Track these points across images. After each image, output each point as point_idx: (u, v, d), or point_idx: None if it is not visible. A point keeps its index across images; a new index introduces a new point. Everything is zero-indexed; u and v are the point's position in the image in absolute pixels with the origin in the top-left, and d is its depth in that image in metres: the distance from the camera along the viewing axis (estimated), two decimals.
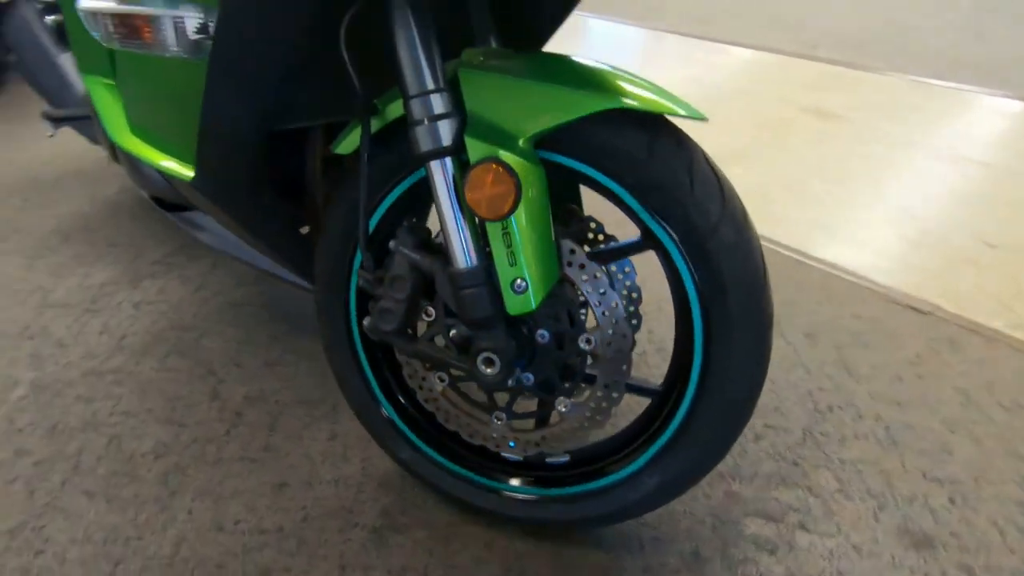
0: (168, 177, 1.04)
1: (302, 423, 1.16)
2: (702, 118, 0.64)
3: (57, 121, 1.58)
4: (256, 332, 1.39)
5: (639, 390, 0.81)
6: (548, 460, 0.87)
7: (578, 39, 3.92)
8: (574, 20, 3.55)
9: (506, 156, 0.63)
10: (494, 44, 0.85)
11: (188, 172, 0.84)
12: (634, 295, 0.90)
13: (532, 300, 0.67)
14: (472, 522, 0.96)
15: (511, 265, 0.66)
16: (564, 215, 0.90)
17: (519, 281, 0.67)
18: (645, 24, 4.15)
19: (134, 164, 1.19)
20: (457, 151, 0.66)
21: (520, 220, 0.64)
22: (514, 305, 0.68)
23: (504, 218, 0.64)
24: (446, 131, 0.65)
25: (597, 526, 0.91)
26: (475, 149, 0.64)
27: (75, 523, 0.97)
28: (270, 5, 0.64)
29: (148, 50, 0.81)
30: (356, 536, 0.95)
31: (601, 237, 0.89)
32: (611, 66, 0.69)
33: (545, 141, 0.67)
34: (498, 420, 0.81)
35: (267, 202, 0.88)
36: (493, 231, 0.66)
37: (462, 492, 0.90)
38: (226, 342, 1.36)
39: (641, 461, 0.77)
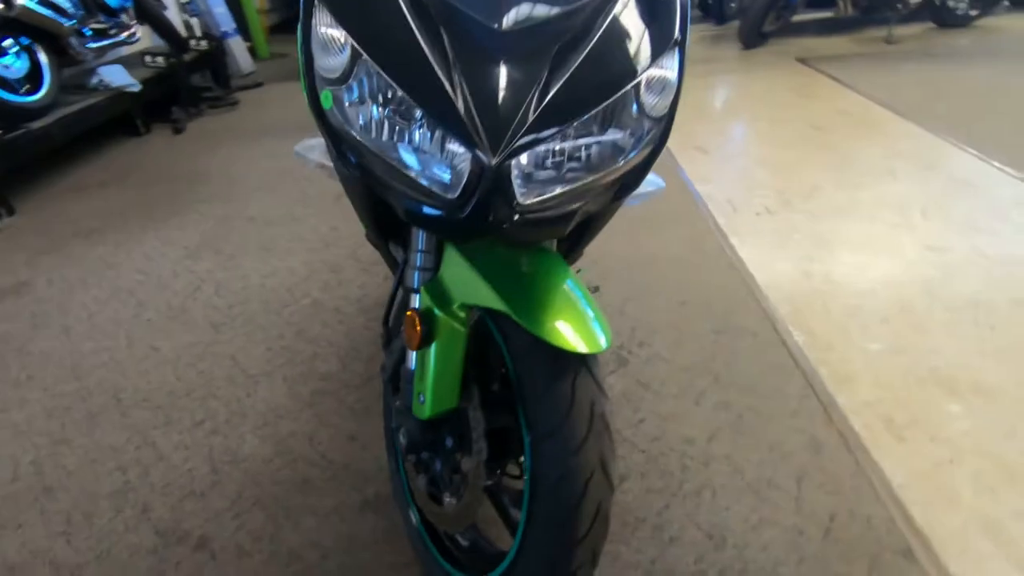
0: None
1: None
2: (602, 349, 0.71)
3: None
4: None
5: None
6: None
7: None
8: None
9: (427, 310, 0.81)
10: None
11: None
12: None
13: (426, 411, 0.85)
14: None
15: (420, 381, 0.85)
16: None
17: (420, 395, 0.85)
18: None
19: None
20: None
21: (430, 355, 0.82)
22: (416, 409, 0.87)
23: (416, 350, 0.82)
24: (417, 278, 0.86)
25: None
26: (421, 297, 0.84)
27: None
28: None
29: None
30: None
31: None
32: (572, 282, 0.77)
33: (493, 314, 0.79)
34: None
35: None
36: (417, 355, 0.85)
37: None
38: None
39: None
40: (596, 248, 1.99)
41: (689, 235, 2.08)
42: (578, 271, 1.77)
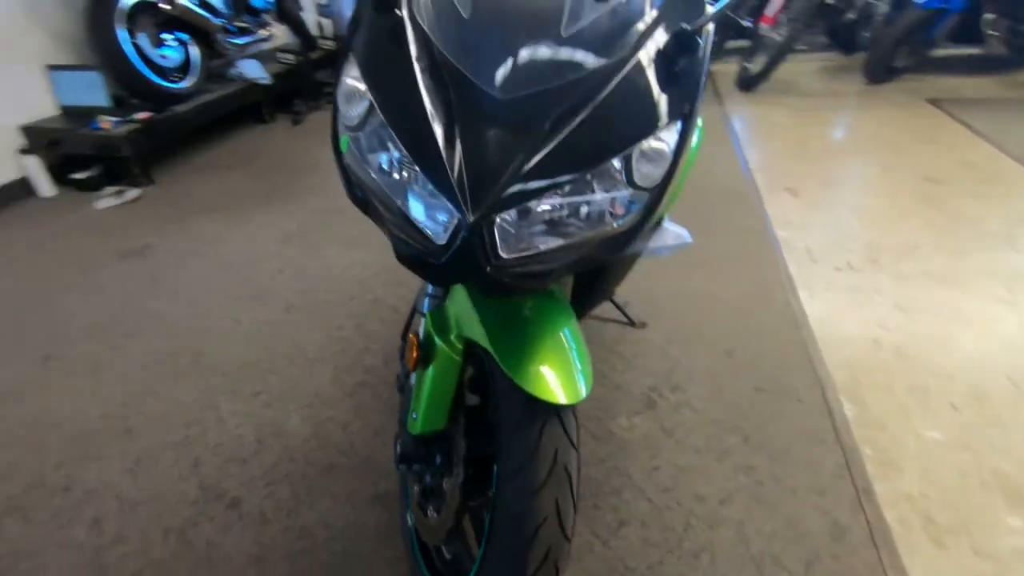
0: None
1: None
2: (577, 401, 0.76)
3: None
4: None
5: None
6: None
7: None
8: None
9: (428, 335, 0.89)
10: None
11: None
12: None
13: (416, 427, 0.93)
14: None
15: (415, 399, 0.93)
16: None
17: (414, 412, 0.93)
18: None
19: None
20: None
21: (426, 377, 0.90)
22: (410, 424, 0.95)
23: (414, 371, 0.92)
24: (426, 304, 0.97)
25: None
26: (425, 322, 0.92)
27: None
28: None
29: None
30: None
31: None
32: (569, 331, 0.82)
33: (484, 349, 0.83)
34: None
35: None
36: (416, 374, 0.93)
37: None
38: None
39: None
40: (651, 282, 1.97)
41: (755, 281, 2.00)
42: (625, 303, 1.77)
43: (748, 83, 3.97)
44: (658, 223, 0.98)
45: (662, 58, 0.72)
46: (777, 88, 4.08)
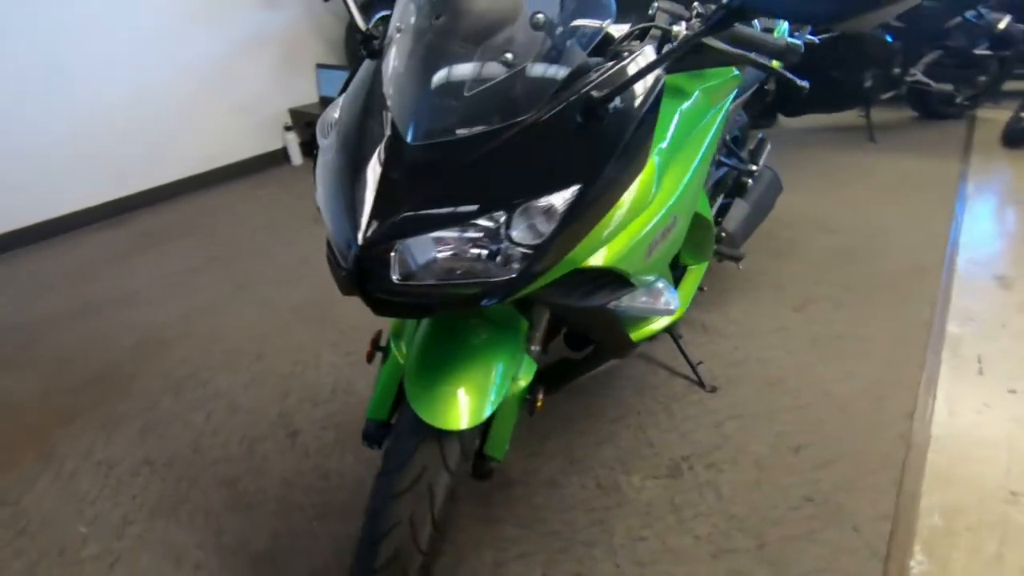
0: None
1: None
2: (454, 428, 0.84)
3: None
4: None
5: None
6: None
7: None
8: None
9: (389, 337, 1.03)
10: None
11: None
12: None
13: (368, 413, 1.07)
14: None
15: (374, 389, 1.07)
16: None
17: (372, 398, 1.07)
18: None
19: None
20: None
21: (381, 371, 1.04)
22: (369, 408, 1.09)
23: (369, 362, 1.10)
24: None
25: None
26: (392, 322, 1.03)
27: None
28: None
29: None
30: None
31: None
32: (503, 365, 0.90)
33: None
34: None
35: None
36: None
37: None
38: None
39: None
40: (747, 344, 1.78)
41: (880, 377, 1.65)
42: (699, 363, 1.66)
43: (1017, 138, 3.13)
44: (633, 283, 0.95)
45: (564, 123, 0.72)
46: None
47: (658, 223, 0.91)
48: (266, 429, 1.64)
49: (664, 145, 0.92)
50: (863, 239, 2.39)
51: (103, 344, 2.08)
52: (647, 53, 0.82)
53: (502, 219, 0.72)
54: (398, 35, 0.85)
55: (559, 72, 0.76)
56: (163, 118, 3.17)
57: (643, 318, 1.24)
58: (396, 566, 0.85)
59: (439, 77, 0.78)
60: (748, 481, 1.38)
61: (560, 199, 0.72)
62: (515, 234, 0.72)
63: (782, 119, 3.96)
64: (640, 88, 0.80)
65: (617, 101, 0.75)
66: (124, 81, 2.98)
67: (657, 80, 0.82)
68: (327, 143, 0.87)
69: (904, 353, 1.75)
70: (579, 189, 0.72)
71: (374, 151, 0.77)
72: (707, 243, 1.33)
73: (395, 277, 0.75)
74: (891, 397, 1.59)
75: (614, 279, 0.91)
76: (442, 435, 0.86)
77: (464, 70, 0.77)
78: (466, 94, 0.76)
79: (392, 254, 0.75)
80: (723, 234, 1.78)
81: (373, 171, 0.76)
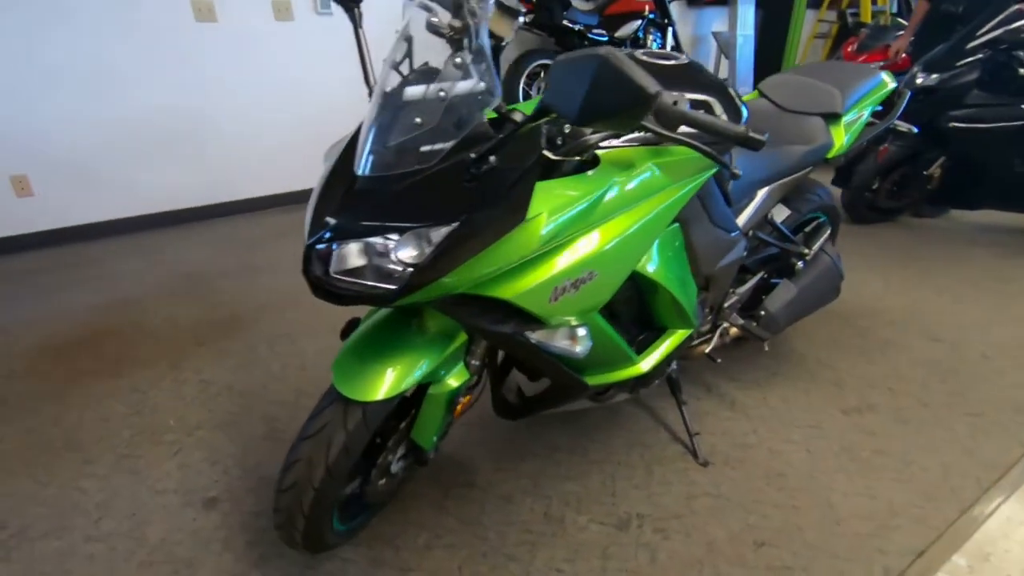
0: None
1: None
2: (354, 397, 1.05)
3: None
4: None
5: None
6: None
7: None
8: None
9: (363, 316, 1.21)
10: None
11: None
12: None
13: None
14: None
15: None
16: None
17: None
18: None
19: None
20: None
21: None
22: None
23: (343, 340, 1.24)
24: None
25: None
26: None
27: None
28: None
29: None
30: None
31: None
32: (428, 363, 1.11)
33: None
34: None
35: None
36: None
37: None
38: None
39: None
40: (763, 431, 1.70)
41: (906, 500, 1.46)
42: (696, 433, 1.68)
43: None
44: (544, 323, 1.07)
45: (454, 174, 0.90)
46: None
47: (564, 272, 1.02)
48: (315, 388, 2.00)
49: (582, 207, 1.03)
50: (971, 357, 2.05)
51: (244, 297, 2.67)
52: (532, 133, 1.01)
53: (395, 239, 0.92)
54: (373, 94, 1.11)
55: (457, 134, 0.95)
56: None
57: (604, 364, 1.32)
58: (294, 492, 1.09)
59: (381, 126, 1.01)
60: (690, 558, 1.35)
61: (437, 232, 0.90)
62: (401, 252, 0.92)
63: (954, 212, 3.48)
64: (521, 157, 0.97)
65: (495, 162, 0.92)
66: (336, 96, 3.74)
67: (533, 151, 1.00)
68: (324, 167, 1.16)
69: (954, 489, 1.51)
70: (454, 227, 0.90)
71: (342, 178, 1.04)
72: (673, 311, 1.34)
73: (332, 270, 0.99)
74: (904, 529, 1.40)
75: (521, 314, 1.05)
76: (348, 402, 1.07)
77: (399, 124, 1.00)
78: (391, 144, 0.99)
79: (332, 253, 0.99)
80: (762, 313, 1.73)
81: (332, 191, 1.02)
